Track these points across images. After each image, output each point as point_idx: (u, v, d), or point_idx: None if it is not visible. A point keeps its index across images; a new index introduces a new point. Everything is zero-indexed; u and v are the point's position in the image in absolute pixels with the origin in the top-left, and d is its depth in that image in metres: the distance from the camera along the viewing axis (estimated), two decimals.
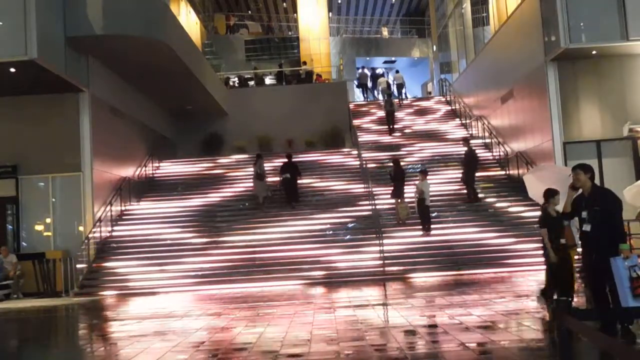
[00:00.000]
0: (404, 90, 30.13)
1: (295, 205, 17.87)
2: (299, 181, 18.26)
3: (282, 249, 15.61)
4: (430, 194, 16.00)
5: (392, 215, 16.95)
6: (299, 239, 16.13)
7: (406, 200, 16.60)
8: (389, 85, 29.14)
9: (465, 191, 17.80)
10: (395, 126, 23.98)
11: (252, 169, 18.53)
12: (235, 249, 15.98)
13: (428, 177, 16.27)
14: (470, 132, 23.06)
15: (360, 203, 17.82)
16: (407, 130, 24.11)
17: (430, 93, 33.89)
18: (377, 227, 15.54)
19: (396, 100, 26.31)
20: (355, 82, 30.75)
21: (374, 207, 16.82)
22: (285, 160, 18.63)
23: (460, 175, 18.02)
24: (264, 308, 10.20)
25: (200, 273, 15.00)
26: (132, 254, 15.96)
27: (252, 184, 18.43)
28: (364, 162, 19.60)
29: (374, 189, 17.78)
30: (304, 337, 6.99)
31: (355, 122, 24.57)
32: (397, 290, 12.05)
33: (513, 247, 15.00)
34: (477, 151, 21.64)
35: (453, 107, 26.43)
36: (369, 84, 31.95)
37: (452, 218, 16.75)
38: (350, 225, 16.69)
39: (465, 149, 18.17)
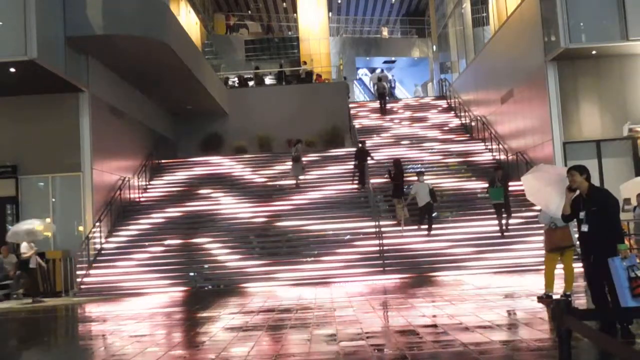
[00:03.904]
0: (390, 90, 30.21)
1: (361, 187, 18.79)
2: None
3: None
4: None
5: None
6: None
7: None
8: (385, 76, 29.89)
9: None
10: (388, 110, 26.01)
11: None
12: None
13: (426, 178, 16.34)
14: (471, 134, 23.11)
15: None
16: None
17: (418, 95, 33.13)
18: None
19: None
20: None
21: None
22: (359, 146, 19.55)
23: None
24: None
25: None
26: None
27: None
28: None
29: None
30: None
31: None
32: None
33: None
34: (476, 152, 21.70)
35: (448, 103, 26.67)
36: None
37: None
38: None
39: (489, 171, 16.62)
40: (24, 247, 14.45)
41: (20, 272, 14.80)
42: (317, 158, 21.63)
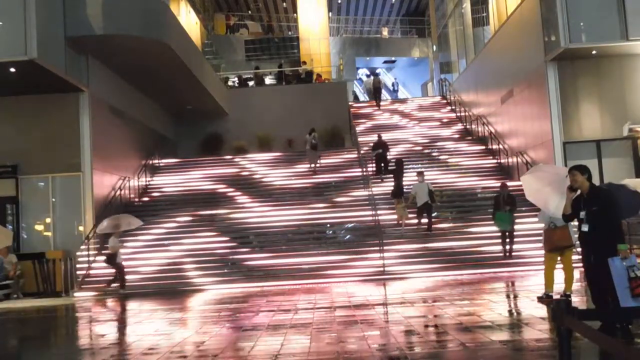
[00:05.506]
0: (382, 93, 30.25)
1: (383, 177, 19.16)
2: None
3: None
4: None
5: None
6: None
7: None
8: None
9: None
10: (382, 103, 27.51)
11: None
12: None
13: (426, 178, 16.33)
14: (470, 134, 23.11)
15: None
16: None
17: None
18: None
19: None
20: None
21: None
22: (377, 139, 20.06)
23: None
24: None
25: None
26: None
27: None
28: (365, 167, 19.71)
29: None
30: None
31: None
32: None
33: None
34: (475, 152, 21.70)
35: (448, 102, 26.91)
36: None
37: None
38: None
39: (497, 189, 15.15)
40: (112, 241, 14.45)
41: (20, 272, 14.81)
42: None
